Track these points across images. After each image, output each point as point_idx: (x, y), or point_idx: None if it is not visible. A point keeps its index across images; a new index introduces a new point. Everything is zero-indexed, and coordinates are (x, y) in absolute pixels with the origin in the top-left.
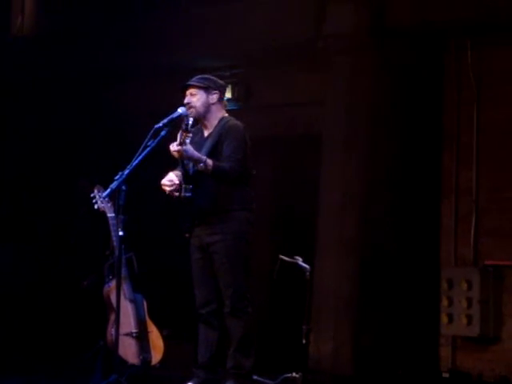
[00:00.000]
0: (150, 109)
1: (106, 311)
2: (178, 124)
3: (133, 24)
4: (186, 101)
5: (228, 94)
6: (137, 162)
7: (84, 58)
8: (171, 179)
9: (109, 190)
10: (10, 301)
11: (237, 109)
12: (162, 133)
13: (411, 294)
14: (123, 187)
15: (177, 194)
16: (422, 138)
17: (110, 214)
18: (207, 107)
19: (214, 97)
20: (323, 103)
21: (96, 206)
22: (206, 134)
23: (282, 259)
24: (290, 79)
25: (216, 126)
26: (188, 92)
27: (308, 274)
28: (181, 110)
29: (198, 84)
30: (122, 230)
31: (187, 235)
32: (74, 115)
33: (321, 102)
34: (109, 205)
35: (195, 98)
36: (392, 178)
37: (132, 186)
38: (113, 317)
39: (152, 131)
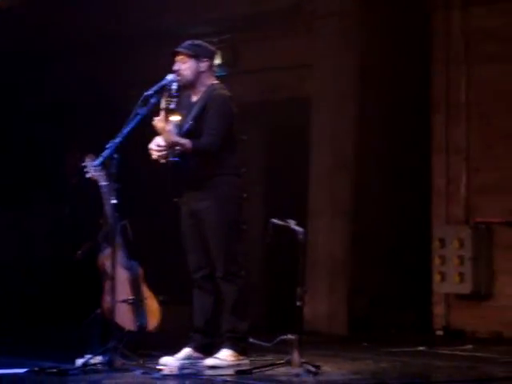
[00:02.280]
0: (140, 76)
1: (101, 280)
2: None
3: None
4: (175, 67)
5: (217, 60)
6: (127, 129)
7: (70, 26)
8: (158, 143)
9: (100, 158)
10: (4, 270)
11: (225, 74)
12: (152, 100)
13: (404, 254)
14: (115, 155)
15: (164, 159)
16: (411, 98)
17: (103, 183)
18: (196, 75)
19: (204, 65)
20: (311, 66)
21: (88, 175)
22: (193, 99)
23: (273, 223)
24: (277, 43)
25: (203, 93)
26: (178, 58)
27: (301, 236)
28: (170, 76)
29: (187, 52)
30: (116, 198)
31: (175, 200)
32: (62, 86)
33: (309, 65)
34: (101, 173)
35: (185, 65)
36: (382, 139)
37: (123, 153)
38: (108, 285)
39: (142, 98)
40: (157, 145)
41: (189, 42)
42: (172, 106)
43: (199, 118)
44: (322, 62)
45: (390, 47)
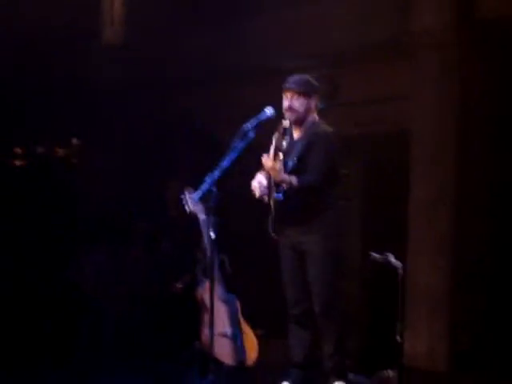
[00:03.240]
0: (239, 110)
1: (199, 313)
2: (265, 125)
3: (220, 28)
4: (287, 104)
5: None
6: (226, 164)
7: (174, 63)
8: (260, 181)
9: (200, 192)
10: (103, 303)
11: (323, 107)
12: (250, 134)
13: (507, 290)
14: (214, 189)
15: (266, 197)
16: None
17: (202, 216)
18: (307, 112)
19: (314, 102)
20: (411, 98)
21: (187, 209)
22: (296, 136)
23: (372, 256)
24: (377, 77)
25: (307, 129)
26: (289, 94)
27: (400, 271)
28: (268, 111)
29: (300, 89)
30: (214, 232)
31: (274, 236)
32: (164, 118)
33: (408, 98)
34: (200, 207)
35: (298, 102)
36: (485, 172)
37: (222, 187)
38: (206, 318)
39: (240, 132)
40: (259, 182)
41: (297, 77)
42: (284, 144)
43: (302, 157)
44: (422, 94)
45: (493, 80)
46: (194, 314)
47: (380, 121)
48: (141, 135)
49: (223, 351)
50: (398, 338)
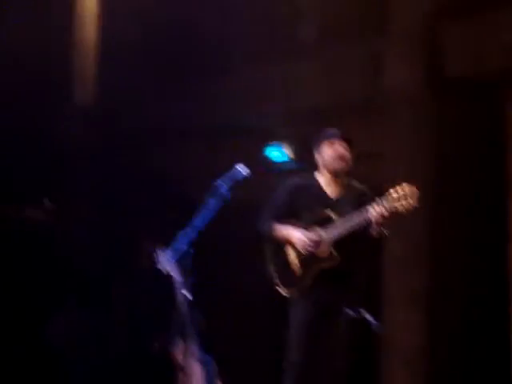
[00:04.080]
0: (211, 168)
1: (175, 374)
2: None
3: (191, 85)
4: (342, 152)
5: (288, 152)
6: (201, 223)
7: (145, 120)
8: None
9: (173, 250)
10: (81, 367)
11: (297, 167)
12: (225, 194)
13: (484, 345)
14: (189, 249)
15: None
16: (486, 187)
17: (176, 276)
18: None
19: None
20: (384, 156)
21: (160, 267)
22: (332, 192)
23: (347, 314)
24: (350, 135)
25: (347, 185)
26: (343, 144)
27: (375, 328)
28: (242, 170)
29: (352, 144)
30: (189, 292)
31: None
32: (135, 179)
33: (381, 155)
34: (174, 266)
35: (350, 154)
36: (459, 229)
37: (197, 247)
38: (182, 378)
39: (212, 189)
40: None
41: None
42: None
43: None
44: (395, 151)
45: (464, 135)
46: (170, 374)
47: (354, 178)
48: (114, 193)
49: None
50: None
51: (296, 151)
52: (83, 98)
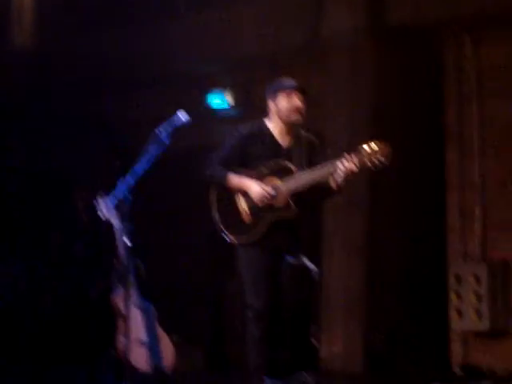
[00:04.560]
0: (153, 116)
1: (115, 320)
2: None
3: (131, 32)
4: (300, 105)
5: (229, 99)
6: (140, 169)
7: (82, 69)
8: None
9: (114, 199)
10: (13, 310)
11: (238, 113)
12: (165, 140)
13: (420, 291)
14: (128, 195)
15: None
16: (424, 135)
17: (116, 223)
18: None
19: None
20: (324, 104)
21: (101, 216)
22: (283, 141)
23: (287, 260)
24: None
25: (297, 133)
26: (299, 95)
27: (315, 274)
28: (182, 116)
29: (306, 93)
30: (129, 238)
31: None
32: (73, 126)
33: (322, 103)
34: (114, 213)
35: (304, 105)
36: (396, 177)
37: (137, 192)
38: (122, 325)
39: (152, 136)
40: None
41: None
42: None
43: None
44: (335, 98)
45: (403, 83)
46: (110, 320)
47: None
48: (50, 138)
49: (139, 358)
50: (314, 340)
51: (236, 98)
52: (22, 42)
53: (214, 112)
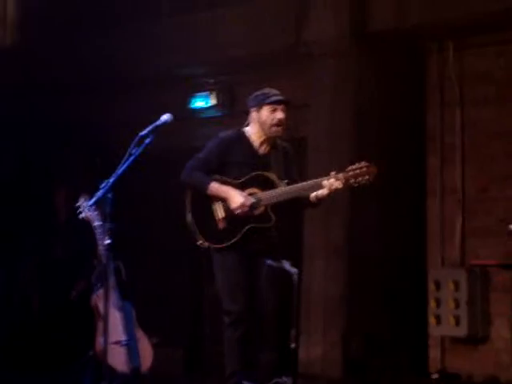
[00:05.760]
0: (136, 118)
1: (94, 320)
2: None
3: (115, 33)
4: (283, 117)
5: (213, 101)
6: (122, 169)
7: (67, 68)
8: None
9: (95, 198)
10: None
11: (222, 115)
12: (147, 140)
13: (399, 296)
14: (109, 195)
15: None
16: (406, 141)
17: (97, 223)
18: None
19: None
20: (307, 107)
21: (82, 215)
22: (261, 149)
23: (268, 263)
24: (274, 85)
25: (276, 143)
26: (283, 108)
27: (295, 277)
28: (166, 117)
29: (289, 103)
30: (110, 238)
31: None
32: (56, 126)
33: (305, 106)
34: (95, 213)
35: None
36: (377, 182)
37: (118, 193)
38: (101, 325)
39: (136, 139)
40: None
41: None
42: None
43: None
44: (318, 103)
45: (386, 89)
46: (89, 321)
47: None
48: (31, 140)
49: (118, 359)
50: (293, 344)
51: (220, 100)
52: (4, 43)
53: (197, 114)
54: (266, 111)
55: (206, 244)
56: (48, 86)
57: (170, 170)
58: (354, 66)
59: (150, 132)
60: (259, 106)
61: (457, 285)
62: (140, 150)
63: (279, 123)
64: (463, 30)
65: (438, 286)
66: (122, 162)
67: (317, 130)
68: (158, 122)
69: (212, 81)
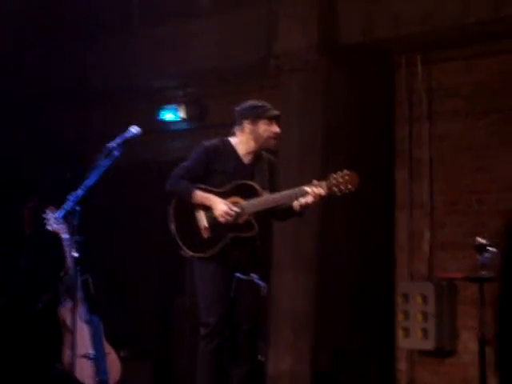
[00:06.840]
0: (103, 130)
1: (61, 333)
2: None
3: (85, 45)
4: (279, 131)
5: (182, 114)
6: (90, 182)
7: (33, 81)
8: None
9: (63, 210)
10: None
11: (191, 128)
12: (116, 153)
13: (368, 309)
14: (77, 208)
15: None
16: (375, 154)
17: (65, 235)
18: None
19: None
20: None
21: (49, 228)
22: (245, 159)
23: (237, 277)
24: (244, 98)
25: (261, 155)
26: (278, 124)
27: (264, 290)
28: (134, 129)
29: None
30: (77, 251)
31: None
32: (25, 137)
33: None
34: (63, 226)
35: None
36: (346, 195)
37: (86, 206)
38: (68, 338)
39: (104, 150)
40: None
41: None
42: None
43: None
44: (288, 116)
45: (355, 102)
46: (56, 334)
47: None
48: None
49: (85, 372)
50: (261, 357)
51: (189, 112)
52: None
53: (167, 127)
54: (263, 124)
55: (189, 253)
56: (22, 98)
57: (139, 182)
58: (323, 79)
59: (118, 144)
60: (257, 118)
61: (425, 298)
62: (109, 162)
63: (276, 136)
64: (431, 44)
65: (406, 298)
66: (90, 173)
67: (287, 143)
68: (127, 135)
69: (181, 93)
